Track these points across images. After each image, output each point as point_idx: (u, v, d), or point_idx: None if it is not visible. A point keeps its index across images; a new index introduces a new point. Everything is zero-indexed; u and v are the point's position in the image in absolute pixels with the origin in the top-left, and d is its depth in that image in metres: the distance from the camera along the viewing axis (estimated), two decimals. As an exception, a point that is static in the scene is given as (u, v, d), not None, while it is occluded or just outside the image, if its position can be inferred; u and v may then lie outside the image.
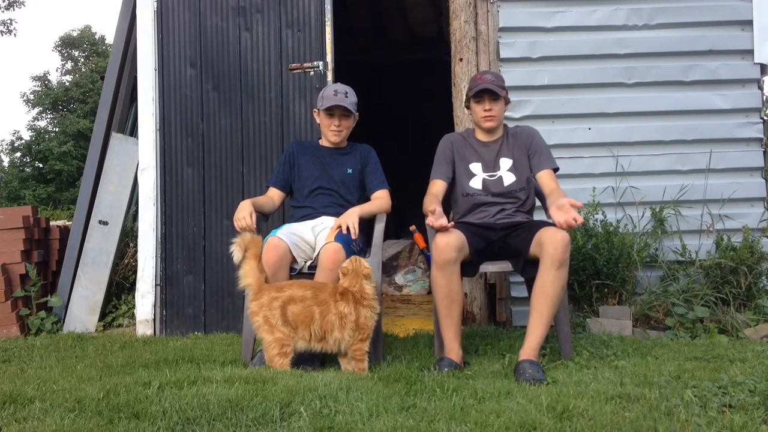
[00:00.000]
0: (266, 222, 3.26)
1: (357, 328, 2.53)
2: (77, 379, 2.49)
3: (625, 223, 3.81)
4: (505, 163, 2.97)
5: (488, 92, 2.91)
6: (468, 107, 3.07)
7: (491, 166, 2.97)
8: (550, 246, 2.51)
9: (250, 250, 2.57)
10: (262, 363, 2.69)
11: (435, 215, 2.66)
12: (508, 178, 2.94)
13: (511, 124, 3.11)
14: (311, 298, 2.51)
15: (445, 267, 2.62)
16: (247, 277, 2.56)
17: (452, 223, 2.71)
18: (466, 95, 3.03)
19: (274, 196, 3.18)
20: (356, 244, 2.90)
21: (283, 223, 3.17)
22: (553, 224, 2.61)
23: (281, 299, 2.51)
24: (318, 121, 3.22)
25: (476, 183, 2.96)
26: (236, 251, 2.57)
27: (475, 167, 2.98)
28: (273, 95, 3.76)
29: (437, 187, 2.96)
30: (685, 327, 3.37)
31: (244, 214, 2.79)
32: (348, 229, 2.84)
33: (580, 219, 2.53)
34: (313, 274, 2.91)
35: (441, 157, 3.03)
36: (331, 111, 3.12)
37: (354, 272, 2.56)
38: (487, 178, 2.96)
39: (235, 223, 2.80)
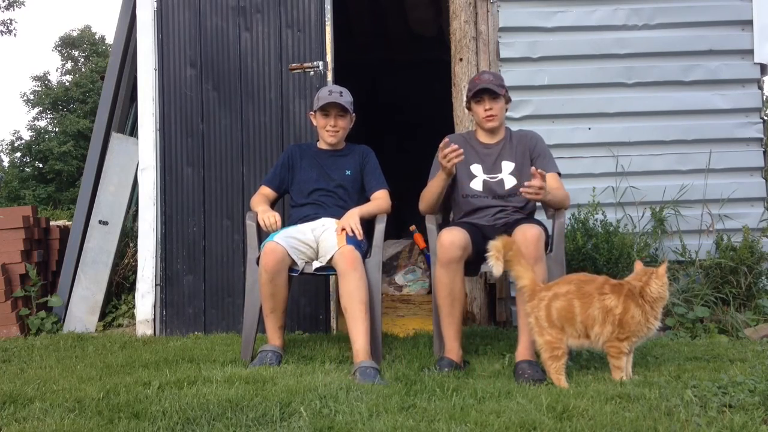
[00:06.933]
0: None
1: (619, 325, 2.33)
2: (77, 379, 2.49)
3: (625, 223, 3.81)
4: (507, 166, 2.96)
5: (487, 92, 2.90)
6: (469, 108, 3.06)
7: (492, 168, 2.96)
8: (522, 245, 2.51)
9: (511, 252, 2.43)
10: (261, 363, 2.69)
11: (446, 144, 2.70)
12: (510, 182, 2.93)
13: (511, 124, 3.11)
14: (574, 292, 2.37)
15: (449, 266, 2.62)
16: (523, 278, 2.44)
17: (461, 150, 2.72)
18: (466, 96, 3.03)
19: (267, 194, 3.20)
20: (363, 245, 2.91)
21: (284, 222, 3.17)
22: (533, 222, 2.64)
23: (547, 299, 2.39)
24: (315, 123, 3.22)
25: (477, 184, 2.95)
26: (495, 262, 2.41)
27: (476, 168, 2.97)
28: (273, 95, 3.76)
29: None
30: (685, 327, 3.37)
31: (276, 218, 2.93)
32: (353, 230, 2.85)
33: (539, 183, 2.57)
34: (318, 275, 2.93)
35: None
36: (326, 110, 3.12)
37: (644, 271, 2.41)
38: (488, 179, 2.95)
39: (266, 221, 2.92)
